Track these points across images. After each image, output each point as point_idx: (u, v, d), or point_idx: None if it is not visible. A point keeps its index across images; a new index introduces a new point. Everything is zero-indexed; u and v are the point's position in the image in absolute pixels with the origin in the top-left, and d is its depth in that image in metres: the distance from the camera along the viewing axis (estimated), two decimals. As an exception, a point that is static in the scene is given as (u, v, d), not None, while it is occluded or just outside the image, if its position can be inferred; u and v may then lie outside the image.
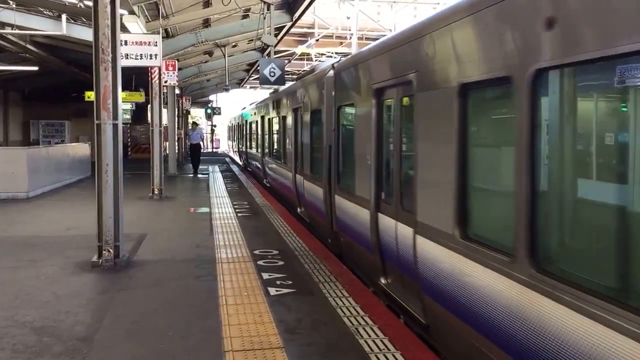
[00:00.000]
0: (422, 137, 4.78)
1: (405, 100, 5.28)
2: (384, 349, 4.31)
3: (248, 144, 21.92)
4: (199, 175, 20.16)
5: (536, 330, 3.04)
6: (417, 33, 4.88)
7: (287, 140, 11.94)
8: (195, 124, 23.36)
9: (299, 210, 10.92)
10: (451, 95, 4.11)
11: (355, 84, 7.03)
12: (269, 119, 15.54)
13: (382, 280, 5.97)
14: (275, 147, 14.28)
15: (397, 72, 5.34)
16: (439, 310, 4.43)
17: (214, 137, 48.78)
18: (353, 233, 6.95)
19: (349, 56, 8.38)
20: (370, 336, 4.57)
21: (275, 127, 14.18)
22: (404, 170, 5.37)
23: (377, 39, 6.65)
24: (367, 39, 21.90)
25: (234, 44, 19.53)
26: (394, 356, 4.20)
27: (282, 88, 13.62)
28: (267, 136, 16.09)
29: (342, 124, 7.70)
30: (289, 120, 11.69)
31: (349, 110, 7.34)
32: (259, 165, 17.77)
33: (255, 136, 19.44)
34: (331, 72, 8.08)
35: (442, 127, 4.34)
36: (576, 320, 2.74)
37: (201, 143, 22.19)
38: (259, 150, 17.70)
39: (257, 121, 18.64)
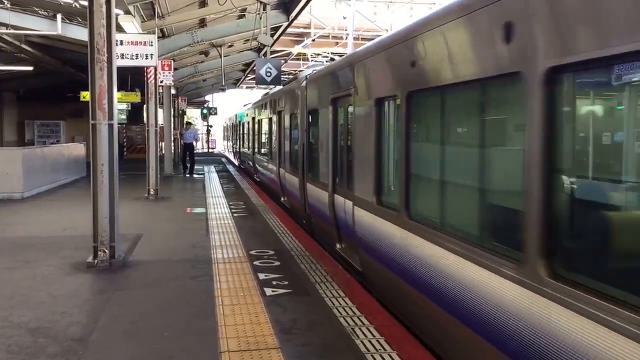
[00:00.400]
0: (356, 136, 6.64)
1: (349, 108, 6.96)
2: (380, 349, 4.32)
3: (241, 143, 23.65)
4: (195, 176, 20.14)
5: (414, 262, 4.81)
6: (352, 61, 6.88)
7: (273, 139, 13.68)
8: (189, 123, 23.02)
9: (282, 199, 12.53)
10: (371, 106, 5.99)
11: (319, 94, 8.75)
12: (258, 120, 17.22)
13: (338, 246, 7.67)
14: (264, 145, 15.98)
15: (343, 88, 7.23)
16: (368, 259, 6.21)
17: (210, 138, 48.68)
18: (318, 212, 8.71)
19: (317, 70, 9.85)
20: (366, 336, 4.58)
21: (264, 127, 15.78)
22: (349, 161, 7.06)
23: (373, 39, 6.88)
24: (363, 39, 21.92)
25: (230, 44, 19.52)
26: (390, 356, 4.20)
27: (270, 92, 15.46)
28: (256, 136, 17.62)
29: (310, 125, 9.44)
30: (274, 122, 13.49)
31: (315, 114, 9.03)
32: (250, 162, 19.56)
33: (247, 136, 21.07)
34: (304, 83, 9.86)
35: (367, 129, 6.16)
36: (441, 255, 4.25)
37: (194, 143, 22.09)
38: (250, 148, 19.52)
39: (248, 122, 20.37)
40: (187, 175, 20.24)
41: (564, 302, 2.76)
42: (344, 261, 7.25)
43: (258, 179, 17.31)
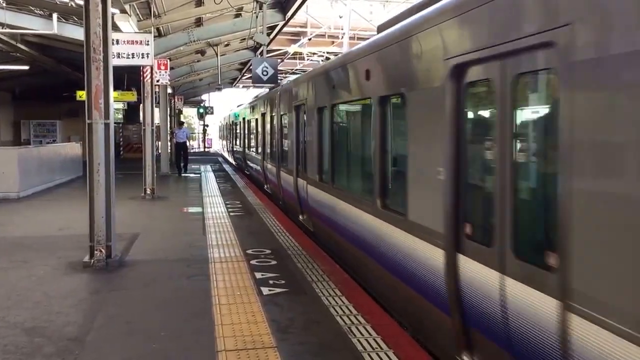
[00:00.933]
0: (307, 134, 9.26)
1: (304, 114, 9.60)
2: (377, 348, 4.32)
3: (234, 141, 26.19)
4: (191, 175, 20.10)
5: (339, 216, 7.11)
6: (305, 79, 9.81)
7: (258, 137, 16.07)
8: (181, 122, 22.32)
9: (265, 187, 15.08)
10: (315, 113, 8.63)
11: (288, 102, 11.21)
12: (247, 120, 19.64)
13: (300, 217, 9.98)
14: (252, 142, 18.20)
15: (301, 99, 9.86)
16: (316, 221, 8.74)
17: (206, 137, 48.65)
18: (288, 193, 11.15)
19: (289, 81, 12.21)
20: (363, 335, 4.58)
21: (252, 127, 18.06)
22: (304, 153, 9.57)
23: (369, 39, 6.93)
24: (359, 38, 21.91)
25: (226, 43, 19.50)
26: (387, 355, 4.21)
27: (257, 96, 18.69)
28: (246, 134, 20.16)
29: (283, 126, 12.13)
30: (259, 123, 15.97)
31: (285, 117, 11.64)
32: (241, 158, 22.18)
33: (239, 134, 23.30)
34: (279, 92, 12.52)
35: (313, 129, 8.79)
36: (347, 207, 6.80)
37: (187, 142, 21.49)
38: (241, 145, 22.21)
39: (240, 122, 22.69)
40: (183, 175, 20.19)
41: (388, 219, 5.40)
42: (304, 228, 9.57)
43: (247, 172, 20.28)
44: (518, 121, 3.45)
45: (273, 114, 13.37)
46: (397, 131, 5.55)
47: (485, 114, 4.02)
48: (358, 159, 7.02)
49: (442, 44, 4.24)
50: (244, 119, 20.89)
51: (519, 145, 3.46)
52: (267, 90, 15.44)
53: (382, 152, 5.70)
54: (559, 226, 2.90)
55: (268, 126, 14.26)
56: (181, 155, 20.33)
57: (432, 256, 4.31)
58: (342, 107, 7.67)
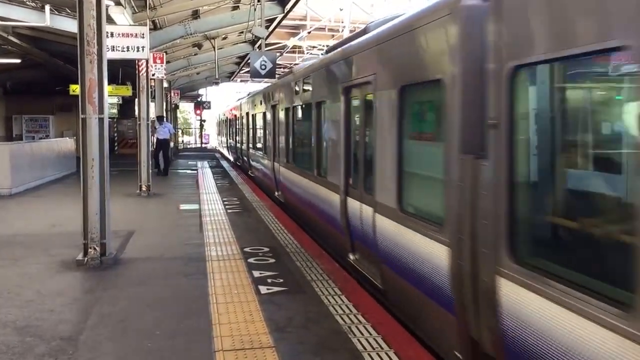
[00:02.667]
0: (280, 129, 11.81)
1: (280, 112, 11.89)
2: (377, 348, 4.24)
3: (229, 135, 28.59)
4: (188, 171, 19.96)
5: (300, 189, 9.77)
6: (280, 84, 12.19)
7: (249, 131, 18.63)
8: (160, 116, 18.96)
9: (249, 172, 18.28)
10: (285, 111, 11.15)
11: (266, 101, 14.03)
12: (240, 115, 21.88)
13: (275, 193, 12.31)
14: (243, 136, 20.57)
15: (275, 101, 12.46)
16: (287, 196, 11.04)
17: (203, 132, 48.47)
18: (265, 174, 14.44)
19: (270, 85, 14.52)
20: (363, 334, 4.49)
21: (244, 122, 20.14)
22: (276, 142, 12.41)
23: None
24: (358, 32, 21.68)
25: (224, 36, 19.33)
26: (387, 354, 4.13)
27: (249, 94, 21.33)
28: (239, 129, 22.40)
29: (265, 122, 14.54)
30: (250, 118, 18.27)
31: (267, 114, 14.06)
32: (234, 150, 25.15)
33: (233, 129, 25.70)
34: (261, 94, 15.54)
35: (283, 125, 11.31)
36: (307, 182, 9.11)
37: (170, 140, 18.86)
38: (232, 138, 25.51)
39: (234, 118, 25.10)
40: (180, 171, 20.00)
41: (324, 184, 7.67)
42: (277, 201, 11.99)
43: (239, 163, 23.22)
44: (362, 121, 6.31)
45: (255, 113, 17.16)
46: (325, 125, 8.09)
47: (358, 116, 6.57)
48: (305, 145, 9.62)
49: (340, 74, 7.18)
50: (235, 116, 24.29)
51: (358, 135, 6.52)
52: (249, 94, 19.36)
53: (317, 139, 8.48)
54: (368, 173, 5.90)
55: (255, 122, 17.69)
56: (160, 153, 17.81)
57: (335, 199, 7.10)
58: (297, 108, 10.41)
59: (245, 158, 19.20)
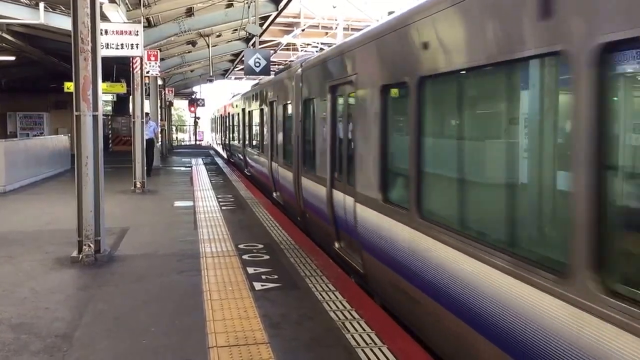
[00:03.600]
0: (253, 125, 16.23)
1: (253, 112, 15.78)
2: (370, 343, 4.27)
3: (222, 131, 30.19)
4: (182, 168, 19.93)
5: (278, 176, 11.69)
6: (253, 90, 16.38)
7: (240, 128, 19.94)
8: (145, 114, 16.96)
9: (245, 171, 19.57)
10: (260, 110, 14.27)
11: (249, 103, 16.81)
12: (231, 114, 23.60)
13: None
14: (234, 133, 22.22)
15: (259, 103, 14.36)
16: (279, 183, 11.47)
17: (197, 130, 48.37)
18: (237, 158, 19.94)
19: (253, 87, 17.14)
20: (356, 330, 4.52)
21: (235, 120, 21.79)
22: (257, 138, 15.30)
23: (362, 29, 7.04)
24: (353, 29, 21.76)
25: (218, 33, 19.28)
26: (380, 350, 4.16)
27: (238, 94, 23.48)
28: (230, 125, 24.07)
29: (243, 121, 18.09)
30: (239, 116, 19.88)
31: (243, 116, 18.06)
32: (224, 144, 27.25)
33: (224, 126, 27.35)
34: (241, 96, 19.39)
35: (258, 122, 14.97)
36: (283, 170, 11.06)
37: (155, 139, 17.41)
38: (224, 134, 27.19)
39: (227, 115, 26.49)
40: (174, 168, 19.94)
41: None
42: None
43: (229, 152, 25.14)
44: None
45: (237, 112, 20.17)
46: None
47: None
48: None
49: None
50: (228, 113, 25.76)
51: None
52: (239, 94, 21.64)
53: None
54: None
55: (239, 120, 19.88)
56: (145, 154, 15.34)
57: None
58: (274, 107, 11.86)
59: (241, 156, 19.55)
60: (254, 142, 16.13)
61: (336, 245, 7.17)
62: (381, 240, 5.35)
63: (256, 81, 19.17)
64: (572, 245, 2.73)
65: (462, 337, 3.82)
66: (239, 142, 20.23)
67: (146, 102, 16.56)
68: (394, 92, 5.32)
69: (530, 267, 3.05)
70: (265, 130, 13.40)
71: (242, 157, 19.02)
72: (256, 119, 15.43)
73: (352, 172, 6.31)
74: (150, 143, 16.27)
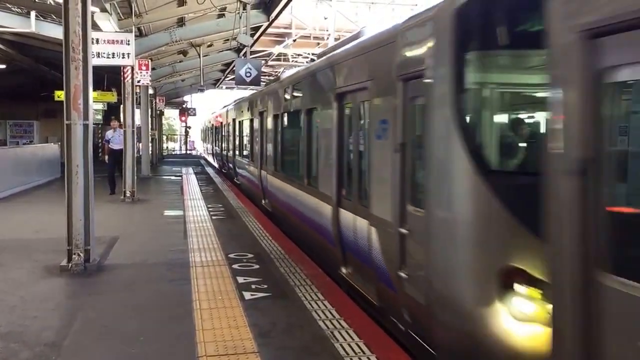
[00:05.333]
0: (231, 134, 19.20)
1: (236, 123, 17.90)
2: (359, 352, 4.30)
3: (211, 140, 31.26)
4: (173, 177, 19.89)
5: (239, 165, 17.04)
6: (235, 103, 20.16)
7: (225, 137, 21.84)
8: (116, 120, 15.06)
9: (215, 164, 25.23)
10: (252, 119, 14.50)
11: (236, 114, 18.09)
12: (222, 123, 24.30)
13: (228, 174, 16.74)
14: (223, 141, 23.19)
15: (235, 116, 18.17)
16: (240, 176, 16.57)
17: (188, 139, 48.31)
18: (216, 155, 25.46)
19: (237, 100, 19.77)
20: (345, 339, 4.56)
21: (224, 131, 22.64)
22: (230, 144, 19.36)
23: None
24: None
25: (209, 43, 19.36)
26: (368, 359, 4.19)
27: (225, 106, 25.61)
28: (219, 135, 25.25)
29: (229, 130, 19.70)
30: (227, 127, 21.13)
31: (228, 127, 20.35)
32: (215, 152, 27.78)
33: (214, 135, 28.33)
34: (231, 106, 21.06)
35: (235, 132, 18.36)
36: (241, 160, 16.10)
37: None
38: (215, 144, 27.86)
39: (214, 125, 27.91)
40: (165, 177, 19.86)
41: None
42: (231, 181, 17.74)
43: (220, 159, 25.79)
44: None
45: (224, 123, 22.28)
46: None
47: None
48: (229, 140, 15.70)
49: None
50: (219, 123, 27.66)
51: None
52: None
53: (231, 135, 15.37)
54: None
55: (229, 130, 20.85)
56: (114, 167, 14.17)
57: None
58: (242, 122, 14.64)
59: (230, 165, 20.65)
60: (245, 152, 16.32)
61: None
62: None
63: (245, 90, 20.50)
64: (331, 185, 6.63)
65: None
66: (230, 152, 20.48)
67: (137, 112, 16.54)
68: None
69: (314, 190, 7.43)
70: (255, 139, 13.59)
71: (232, 166, 19.37)
72: (247, 128, 15.50)
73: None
74: (120, 154, 13.95)
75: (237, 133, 17.95)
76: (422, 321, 4.26)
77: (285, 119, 10.20)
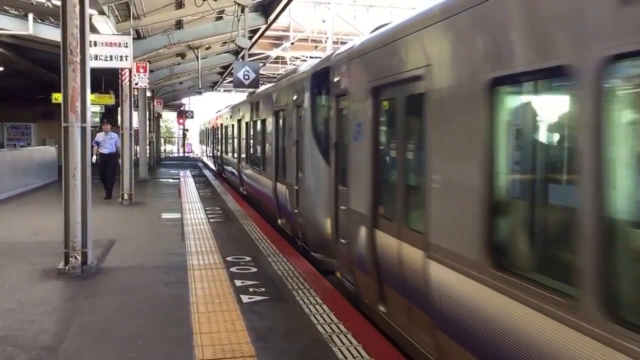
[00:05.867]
0: (220, 137, 23.17)
1: (224, 128, 21.41)
2: (357, 357, 4.29)
3: (208, 143, 32.54)
4: (170, 180, 19.85)
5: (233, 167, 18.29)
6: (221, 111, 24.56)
7: (223, 139, 22.56)
8: (107, 123, 14.33)
9: (210, 164, 26.18)
10: (235, 125, 17.64)
11: (226, 119, 20.66)
12: (215, 127, 26.46)
13: (279, 221, 11.02)
14: (220, 144, 24.24)
15: (226, 120, 20.87)
16: (225, 170, 20.65)
17: (186, 142, 48.29)
18: (230, 167, 20.45)
19: (228, 106, 21.27)
20: (343, 344, 4.54)
21: (219, 133, 24.12)
22: (222, 146, 22.42)
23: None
24: (342, 43, 21.93)
25: (207, 46, 19.37)
26: (367, 363, 4.18)
27: (219, 110, 27.47)
28: (216, 137, 26.40)
29: (222, 133, 22.14)
30: (223, 129, 22.28)
31: (217, 130, 24.74)
32: (212, 154, 29.55)
33: (211, 137, 29.54)
34: (217, 115, 25.70)
35: (225, 136, 21.61)
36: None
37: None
38: (212, 146, 29.42)
39: (212, 128, 29.51)
40: (162, 180, 19.83)
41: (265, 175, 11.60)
42: (220, 176, 21.18)
43: (215, 160, 27.58)
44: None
45: (216, 127, 24.84)
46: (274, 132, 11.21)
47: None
48: (226, 144, 18.79)
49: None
50: (212, 126, 29.81)
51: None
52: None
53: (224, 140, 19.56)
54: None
55: (222, 133, 22.71)
56: (105, 171, 13.71)
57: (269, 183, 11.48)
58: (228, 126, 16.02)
59: (213, 157, 24.80)
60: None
61: (278, 221, 9.33)
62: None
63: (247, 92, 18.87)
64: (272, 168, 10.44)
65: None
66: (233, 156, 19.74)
67: (135, 114, 16.52)
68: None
69: (267, 173, 11.02)
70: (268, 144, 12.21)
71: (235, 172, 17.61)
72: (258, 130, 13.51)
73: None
74: (110, 158, 13.67)
75: (244, 136, 16.13)
76: (304, 234, 8.30)
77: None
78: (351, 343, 4.55)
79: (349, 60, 5.90)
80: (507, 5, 3.10)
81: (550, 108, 3.13)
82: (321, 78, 7.90)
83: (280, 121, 10.08)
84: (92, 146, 12.36)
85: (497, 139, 3.20)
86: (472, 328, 3.32)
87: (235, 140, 16.91)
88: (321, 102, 7.93)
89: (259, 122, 12.24)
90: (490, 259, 3.15)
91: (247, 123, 14.17)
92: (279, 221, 9.99)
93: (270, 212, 10.91)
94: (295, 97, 8.83)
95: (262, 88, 13.34)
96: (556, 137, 3.10)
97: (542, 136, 3.18)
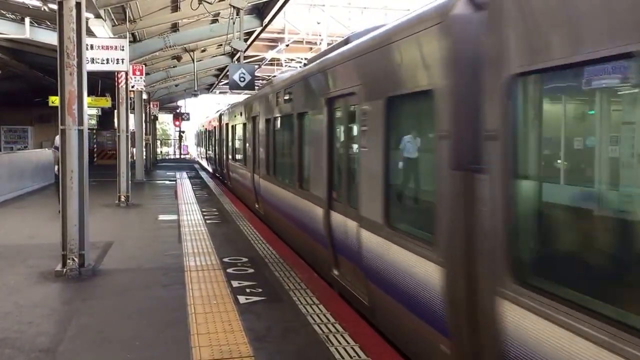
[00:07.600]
0: (210, 139, 26.02)
1: (216, 132, 22.58)
2: (354, 356, 4.32)
3: (205, 144, 32.94)
4: (167, 182, 19.85)
5: (231, 168, 17.82)
6: (210, 118, 28.14)
7: (215, 141, 23.12)
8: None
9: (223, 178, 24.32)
10: (227, 127, 18.20)
11: (217, 124, 21.37)
12: (209, 130, 27.52)
13: (216, 172, 18.14)
14: (214, 146, 24.66)
15: (212, 126, 24.30)
16: (231, 176, 17.43)
17: (182, 144, 48.25)
18: (208, 158, 28.13)
19: (221, 110, 22.18)
20: (340, 344, 4.58)
21: (212, 136, 24.70)
22: (210, 147, 26.04)
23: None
24: (336, 45, 21.89)
25: (203, 48, 19.38)
26: (364, 363, 4.22)
27: (212, 114, 29.28)
28: (210, 139, 27.06)
29: (216, 136, 22.38)
30: (215, 132, 22.75)
31: (212, 132, 24.82)
32: (208, 155, 29.75)
33: (207, 139, 30.13)
34: (216, 115, 23.34)
35: (217, 137, 22.26)
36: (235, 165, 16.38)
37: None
38: (208, 147, 29.62)
39: (206, 130, 30.56)
40: (158, 182, 19.79)
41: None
42: (212, 173, 23.40)
43: (209, 161, 27.90)
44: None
45: (210, 129, 25.76)
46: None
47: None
48: (215, 146, 20.68)
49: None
50: (206, 130, 30.53)
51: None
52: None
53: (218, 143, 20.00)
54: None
55: (214, 135, 23.31)
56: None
57: (250, 177, 12.90)
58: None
59: (211, 159, 25.10)
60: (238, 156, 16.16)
61: (256, 205, 11.87)
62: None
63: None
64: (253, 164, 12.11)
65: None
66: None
67: (131, 116, 16.53)
68: None
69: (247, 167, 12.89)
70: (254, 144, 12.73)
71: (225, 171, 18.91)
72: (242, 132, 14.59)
73: None
74: None
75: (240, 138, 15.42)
76: (261, 207, 10.82)
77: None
78: (348, 343, 4.59)
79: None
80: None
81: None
82: None
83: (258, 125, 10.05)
84: (53, 151, 11.37)
85: (391, 141, 4.64)
86: (385, 273, 4.68)
87: (248, 144, 12.94)
88: None
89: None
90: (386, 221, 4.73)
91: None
92: (256, 206, 9.66)
93: (247, 194, 10.98)
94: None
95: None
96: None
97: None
